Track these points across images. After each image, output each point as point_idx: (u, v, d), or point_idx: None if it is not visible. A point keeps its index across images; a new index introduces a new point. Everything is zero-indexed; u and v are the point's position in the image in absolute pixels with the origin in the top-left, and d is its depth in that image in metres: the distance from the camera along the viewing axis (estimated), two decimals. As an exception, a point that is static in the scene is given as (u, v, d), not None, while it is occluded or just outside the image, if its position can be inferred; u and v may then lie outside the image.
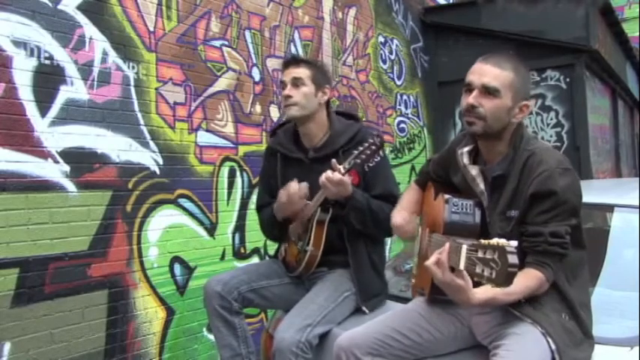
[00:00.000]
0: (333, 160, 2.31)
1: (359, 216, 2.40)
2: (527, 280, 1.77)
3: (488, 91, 1.85)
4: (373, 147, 2.28)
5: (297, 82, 2.47)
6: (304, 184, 2.44)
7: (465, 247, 1.58)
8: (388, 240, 5.42)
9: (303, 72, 2.48)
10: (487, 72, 1.86)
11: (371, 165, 2.32)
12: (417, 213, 2.29)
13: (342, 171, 2.29)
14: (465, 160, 2.00)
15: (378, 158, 2.32)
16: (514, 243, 1.50)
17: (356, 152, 2.29)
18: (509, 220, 1.87)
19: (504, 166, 1.90)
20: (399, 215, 2.22)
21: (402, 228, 2.18)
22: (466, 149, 2.00)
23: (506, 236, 1.62)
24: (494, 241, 1.51)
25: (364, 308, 2.45)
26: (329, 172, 2.29)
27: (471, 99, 1.87)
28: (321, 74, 2.54)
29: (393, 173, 2.65)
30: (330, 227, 2.46)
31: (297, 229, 2.54)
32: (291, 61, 2.55)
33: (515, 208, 1.86)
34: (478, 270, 1.52)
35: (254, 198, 4.30)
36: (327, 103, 2.59)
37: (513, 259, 1.45)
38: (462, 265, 1.59)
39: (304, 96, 2.47)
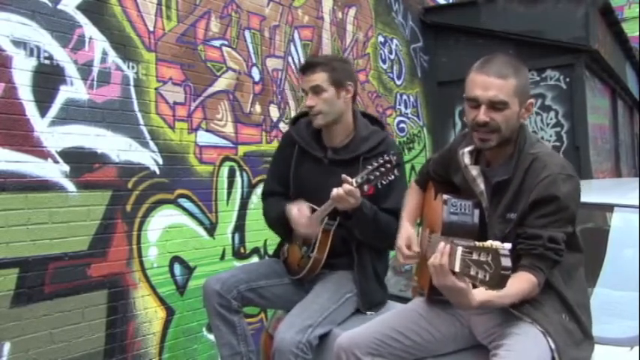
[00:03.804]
0: (344, 176, 2.26)
1: (363, 227, 2.38)
2: (522, 283, 1.76)
3: (497, 105, 1.83)
4: (388, 165, 2.22)
5: (316, 90, 2.41)
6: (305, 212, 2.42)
7: (460, 250, 1.58)
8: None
9: (319, 77, 2.41)
10: (491, 85, 1.82)
11: (384, 183, 2.26)
12: (418, 216, 2.29)
13: (354, 185, 2.24)
14: (467, 160, 1.99)
15: (392, 177, 2.24)
16: (508, 246, 1.49)
17: (370, 167, 2.23)
18: (508, 222, 1.86)
19: (508, 169, 1.89)
20: (404, 238, 2.17)
21: (403, 251, 2.14)
22: (467, 149, 2.00)
23: (505, 238, 1.61)
24: (489, 243, 1.51)
25: (371, 313, 2.43)
26: (341, 189, 2.24)
27: (482, 116, 1.83)
28: (339, 72, 2.45)
29: (406, 186, 2.58)
30: (335, 232, 2.45)
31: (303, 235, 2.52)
32: (307, 67, 2.46)
33: (514, 210, 1.86)
34: (472, 272, 1.53)
35: (254, 198, 4.32)
36: (353, 99, 2.52)
37: (506, 262, 1.45)
38: (457, 268, 1.59)
39: (325, 102, 2.41)
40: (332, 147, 2.51)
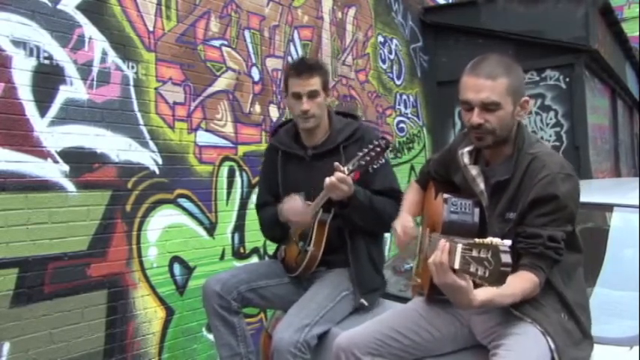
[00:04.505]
0: (336, 164, 2.30)
1: (361, 214, 2.40)
2: (523, 282, 1.76)
3: (489, 106, 1.83)
4: (378, 149, 2.28)
5: (313, 94, 2.46)
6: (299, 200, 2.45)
7: (459, 247, 1.59)
8: (387, 239, 5.44)
9: (316, 82, 2.47)
10: (482, 87, 1.82)
11: (375, 167, 2.31)
12: (418, 214, 2.29)
13: (346, 172, 2.28)
14: (466, 160, 1.99)
15: (383, 160, 2.32)
16: (507, 242, 1.50)
17: (360, 154, 2.28)
18: (507, 221, 1.87)
19: (507, 169, 1.90)
20: (401, 222, 2.18)
21: (400, 238, 2.16)
22: (467, 149, 2.00)
23: (504, 237, 1.61)
24: (488, 240, 1.52)
25: (363, 301, 2.44)
26: (333, 177, 2.28)
27: (475, 118, 1.84)
28: (327, 77, 2.54)
29: (392, 168, 2.65)
30: (330, 224, 2.47)
31: (298, 230, 2.54)
32: (304, 71, 2.49)
33: (513, 210, 1.86)
34: (472, 269, 1.53)
35: (253, 198, 4.31)
36: None
37: (506, 258, 1.46)
38: (457, 265, 1.59)
39: (319, 106, 2.48)
40: (312, 146, 2.57)
